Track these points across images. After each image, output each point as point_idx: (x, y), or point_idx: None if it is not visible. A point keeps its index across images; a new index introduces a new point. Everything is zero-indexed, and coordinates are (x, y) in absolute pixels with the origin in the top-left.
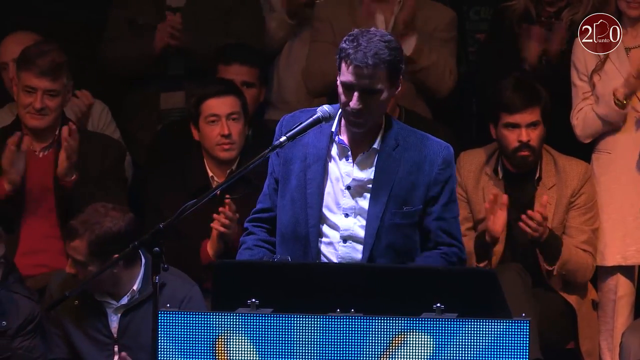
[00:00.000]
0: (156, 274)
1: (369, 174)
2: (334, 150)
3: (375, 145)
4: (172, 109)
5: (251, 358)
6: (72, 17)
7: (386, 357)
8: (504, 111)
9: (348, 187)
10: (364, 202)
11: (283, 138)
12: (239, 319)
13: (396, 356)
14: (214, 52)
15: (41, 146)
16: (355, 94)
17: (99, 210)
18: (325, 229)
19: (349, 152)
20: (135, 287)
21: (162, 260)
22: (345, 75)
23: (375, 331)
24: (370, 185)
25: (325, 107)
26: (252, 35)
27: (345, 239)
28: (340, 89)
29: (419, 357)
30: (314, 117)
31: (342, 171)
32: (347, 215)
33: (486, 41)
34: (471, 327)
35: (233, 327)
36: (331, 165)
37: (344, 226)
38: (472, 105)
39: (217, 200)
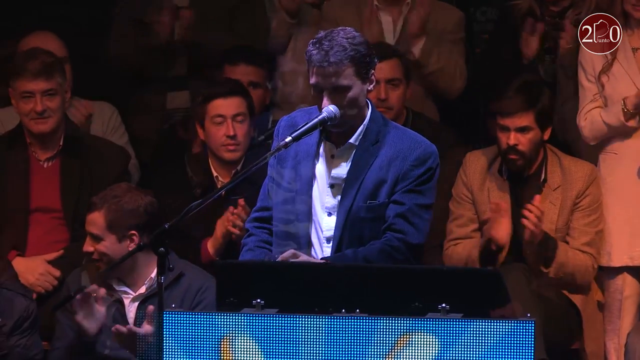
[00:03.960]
0: (161, 274)
1: (345, 169)
2: (322, 149)
3: (352, 140)
4: (178, 108)
5: (256, 358)
6: (77, 17)
7: (391, 357)
8: (498, 113)
9: (331, 186)
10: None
11: (288, 138)
12: (244, 319)
13: (401, 356)
14: (218, 52)
15: (46, 156)
16: (324, 93)
17: (121, 187)
18: (312, 229)
19: (335, 150)
20: (153, 276)
21: (167, 261)
22: (312, 78)
23: (380, 331)
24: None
25: (331, 108)
26: (257, 35)
27: (328, 239)
28: (312, 93)
29: (424, 357)
30: (319, 117)
31: (327, 169)
32: (329, 214)
33: (489, 41)
34: (476, 327)
35: (238, 327)
36: (318, 165)
37: (326, 226)
38: (480, 106)
39: (221, 201)
